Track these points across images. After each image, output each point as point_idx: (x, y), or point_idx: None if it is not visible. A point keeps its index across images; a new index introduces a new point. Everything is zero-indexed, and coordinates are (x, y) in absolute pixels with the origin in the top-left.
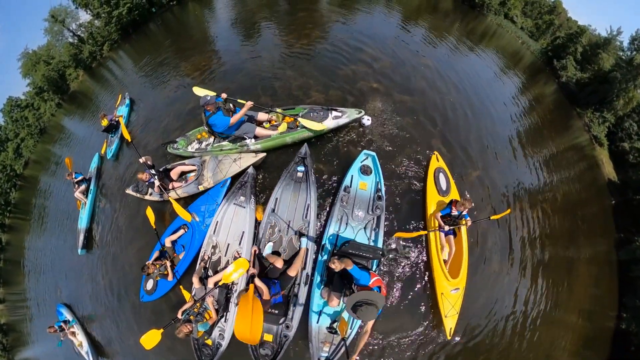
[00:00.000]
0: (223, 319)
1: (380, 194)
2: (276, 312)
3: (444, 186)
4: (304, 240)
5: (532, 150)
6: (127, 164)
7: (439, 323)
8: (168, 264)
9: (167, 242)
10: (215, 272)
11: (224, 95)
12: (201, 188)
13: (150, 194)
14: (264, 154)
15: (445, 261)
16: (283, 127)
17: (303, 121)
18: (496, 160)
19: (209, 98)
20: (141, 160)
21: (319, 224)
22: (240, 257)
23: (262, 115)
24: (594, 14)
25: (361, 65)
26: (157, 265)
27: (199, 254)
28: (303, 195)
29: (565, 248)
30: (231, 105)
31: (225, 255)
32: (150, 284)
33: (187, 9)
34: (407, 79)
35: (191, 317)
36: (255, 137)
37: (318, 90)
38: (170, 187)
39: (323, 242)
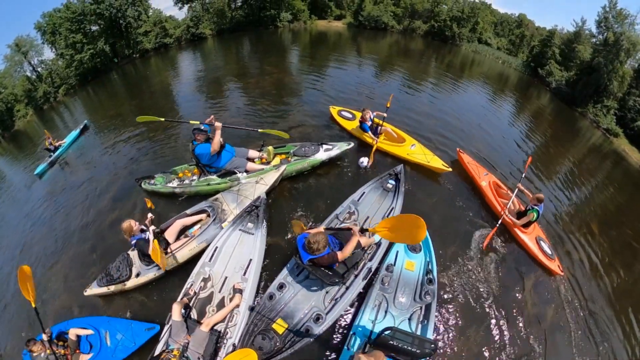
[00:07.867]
0: None
1: (431, 276)
2: (330, 273)
3: (348, 115)
4: (377, 236)
5: (546, 173)
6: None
7: (430, 172)
8: (65, 352)
9: (72, 334)
10: (202, 313)
11: (217, 125)
12: (224, 225)
13: (137, 275)
14: (285, 166)
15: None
16: (276, 161)
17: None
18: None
19: (199, 124)
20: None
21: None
22: (241, 290)
23: (253, 153)
24: (556, 15)
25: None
26: (48, 351)
27: None
28: (388, 202)
29: (624, 275)
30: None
31: (219, 292)
32: None
33: (149, 64)
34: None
35: None
36: (247, 172)
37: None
38: (168, 250)
39: (352, 332)
